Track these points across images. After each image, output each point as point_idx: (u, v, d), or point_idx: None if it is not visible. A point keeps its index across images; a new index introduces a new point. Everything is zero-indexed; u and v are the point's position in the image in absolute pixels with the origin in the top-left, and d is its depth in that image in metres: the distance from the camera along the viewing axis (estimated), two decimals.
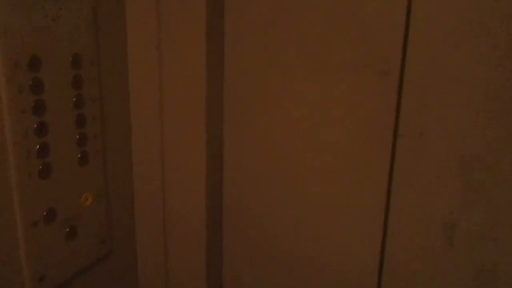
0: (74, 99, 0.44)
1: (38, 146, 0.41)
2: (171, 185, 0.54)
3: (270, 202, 0.53)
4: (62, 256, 0.45)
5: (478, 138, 0.42)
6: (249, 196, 0.55)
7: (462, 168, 0.43)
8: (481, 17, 0.39)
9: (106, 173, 0.50)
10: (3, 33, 0.37)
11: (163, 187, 0.55)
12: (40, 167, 0.41)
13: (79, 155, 0.45)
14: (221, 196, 0.56)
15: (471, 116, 0.42)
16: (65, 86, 0.43)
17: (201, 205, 0.53)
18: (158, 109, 0.52)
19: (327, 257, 0.51)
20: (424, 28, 0.42)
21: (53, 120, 0.42)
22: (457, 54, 0.41)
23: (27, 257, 0.41)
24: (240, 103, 0.53)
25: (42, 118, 0.41)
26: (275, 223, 0.54)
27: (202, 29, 0.48)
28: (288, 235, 0.53)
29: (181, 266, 0.58)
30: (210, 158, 0.52)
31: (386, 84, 0.45)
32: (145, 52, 0.51)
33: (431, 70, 0.42)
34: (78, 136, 0.45)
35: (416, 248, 0.46)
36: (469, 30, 0.40)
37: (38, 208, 0.42)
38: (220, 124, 0.54)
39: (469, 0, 0.40)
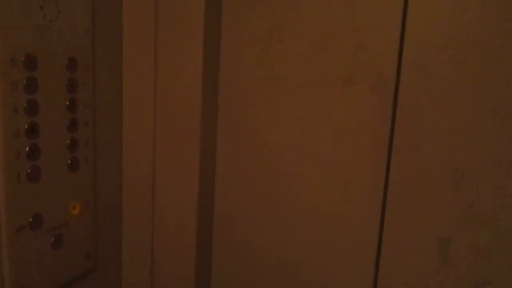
0: (68, 102, 0.43)
1: (28, 148, 0.39)
2: (162, 197, 0.53)
3: (262, 215, 0.52)
4: (46, 267, 0.43)
5: (473, 152, 0.42)
6: (241, 208, 0.54)
7: (457, 181, 0.43)
8: (475, 29, 0.41)
9: (96, 181, 0.48)
10: (0, 29, 0.36)
11: (153, 199, 0.53)
12: (29, 169, 0.39)
13: (69, 161, 0.44)
14: (212, 210, 0.55)
15: (467, 129, 0.42)
16: (59, 88, 0.42)
17: (191, 218, 0.52)
18: (151, 117, 0.51)
19: (319, 273, 0.50)
20: (419, 42, 0.43)
21: (45, 122, 0.41)
22: (452, 67, 0.42)
23: (10, 265, 0.39)
24: (234, 114, 0.53)
25: (34, 119, 0.39)
26: (267, 236, 0.53)
27: (199, 38, 0.48)
28: (280, 247, 0.52)
29: (169, 284, 0.55)
30: (203, 168, 0.51)
31: (381, 97, 0.45)
32: (140, 59, 0.51)
33: (426, 84, 0.43)
34: (69, 141, 0.44)
35: (410, 263, 0.46)
36: (464, 44, 0.41)
37: (24, 212, 0.40)
38: (214, 133, 0.53)
39: (463, 13, 0.41)
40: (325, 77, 0.47)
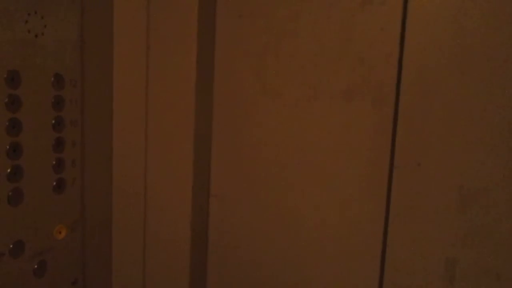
0: (53, 121, 0.41)
1: (9, 169, 0.37)
2: (154, 217, 0.51)
3: (259, 232, 0.50)
4: None
5: (477, 169, 0.41)
6: (236, 225, 0.51)
7: (462, 199, 0.41)
8: (478, 43, 0.39)
9: (83, 203, 0.46)
10: None
11: (145, 219, 0.51)
12: (11, 192, 0.37)
13: (55, 182, 0.42)
14: (207, 229, 0.53)
15: (470, 146, 0.41)
16: (44, 106, 0.40)
17: (185, 239, 0.49)
18: (142, 134, 0.49)
19: None
20: (418, 56, 0.42)
21: (29, 141, 0.38)
22: (453, 82, 0.41)
23: None
24: (230, 129, 0.51)
25: (17, 139, 0.37)
26: (264, 253, 0.50)
27: (192, 54, 0.47)
28: (277, 264, 0.50)
29: None
30: (197, 186, 0.49)
31: (381, 112, 0.44)
32: (132, 76, 0.49)
33: (427, 98, 0.42)
34: (54, 162, 0.41)
35: (415, 285, 0.44)
36: (465, 54, 0.40)
37: (4, 239, 0.37)
38: (208, 150, 0.51)
39: (463, 26, 0.40)
40: (323, 92, 0.46)
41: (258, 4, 0.47)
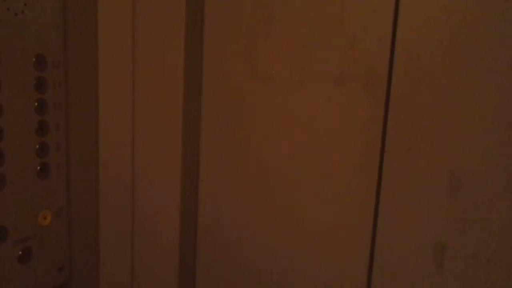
0: (36, 103, 0.40)
1: None
2: (142, 204, 0.50)
3: (249, 220, 0.50)
4: (12, 283, 0.39)
5: (468, 153, 0.40)
6: (226, 213, 0.51)
7: (453, 184, 0.41)
8: (471, 25, 0.39)
9: (69, 188, 0.45)
10: None
11: (133, 206, 0.50)
12: None
13: (39, 167, 0.41)
14: (196, 214, 0.52)
15: (463, 130, 0.40)
16: (26, 88, 0.38)
17: (174, 224, 0.49)
18: (129, 117, 0.48)
19: (309, 279, 0.48)
20: (412, 39, 0.41)
21: (10, 125, 0.37)
22: (446, 65, 0.40)
23: None
24: (219, 114, 0.50)
25: None
26: (255, 242, 0.50)
27: (180, 35, 0.45)
28: (268, 252, 0.49)
29: None
30: (185, 171, 0.48)
31: (372, 97, 0.43)
32: (117, 56, 0.47)
33: (419, 82, 0.41)
34: (38, 146, 0.40)
35: (404, 269, 0.44)
36: (458, 40, 0.39)
37: None
38: (197, 134, 0.50)
39: (457, 8, 0.39)
40: (314, 75, 0.45)
41: None
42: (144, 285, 0.53)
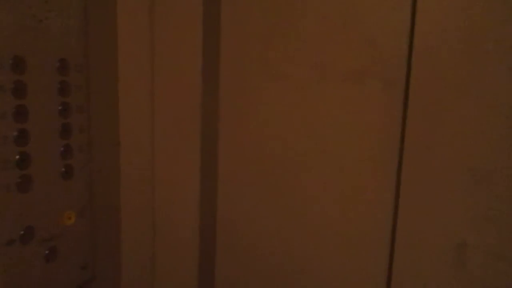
0: (60, 107, 0.41)
1: (18, 156, 0.37)
2: (162, 202, 0.51)
3: (267, 219, 0.50)
4: (39, 281, 0.40)
5: (488, 150, 0.40)
6: (245, 212, 0.51)
7: (473, 182, 0.41)
8: (489, 23, 0.38)
9: (92, 189, 0.46)
10: None
11: (153, 205, 0.51)
12: (19, 179, 0.37)
13: (63, 169, 0.42)
14: (215, 215, 0.53)
15: (482, 126, 0.40)
16: (50, 92, 0.40)
17: (193, 224, 0.50)
18: (149, 119, 0.49)
19: (327, 280, 0.48)
20: (430, 37, 0.41)
21: (36, 128, 0.38)
22: (465, 63, 0.40)
23: (0, 282, 0.37)
24: (236, 114, 0.50)
25: (24, 125, 0.37)
26: (273, 242, 0.50)
27: (198, 35, 0.46)
28: (285, 253, 0.50)
29: None
30: (204, 172, 0.49)
31: (391, 95, 0.43)
32: (137, 60, 0.48)
33: (438, 80, 0.41)
34: (62, 148, 0.41)
35: (425, 269, 0.43)
36: (476, 38, 0.39)
37: (14, 225, 0.37)
38: (215, 135, 0.51)
39: (476, 4, 0.38)
40: (332, 74, 0.45)
41: None
42: (165, 283, 0.53)
